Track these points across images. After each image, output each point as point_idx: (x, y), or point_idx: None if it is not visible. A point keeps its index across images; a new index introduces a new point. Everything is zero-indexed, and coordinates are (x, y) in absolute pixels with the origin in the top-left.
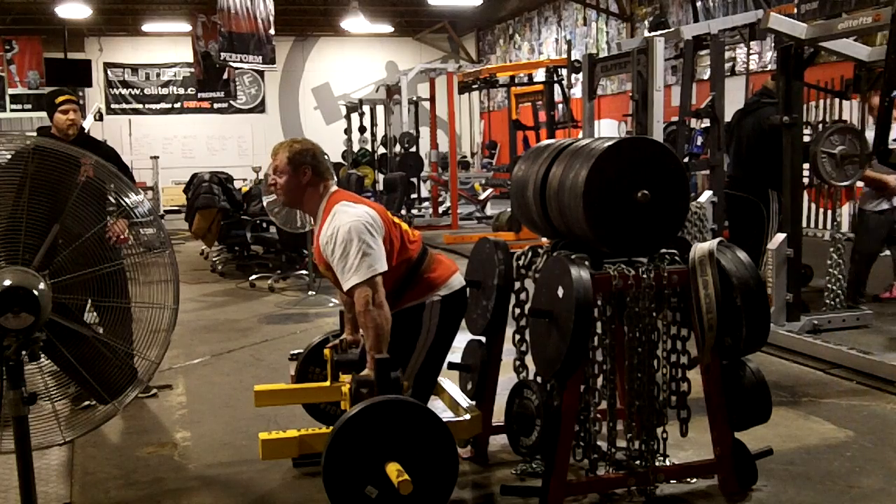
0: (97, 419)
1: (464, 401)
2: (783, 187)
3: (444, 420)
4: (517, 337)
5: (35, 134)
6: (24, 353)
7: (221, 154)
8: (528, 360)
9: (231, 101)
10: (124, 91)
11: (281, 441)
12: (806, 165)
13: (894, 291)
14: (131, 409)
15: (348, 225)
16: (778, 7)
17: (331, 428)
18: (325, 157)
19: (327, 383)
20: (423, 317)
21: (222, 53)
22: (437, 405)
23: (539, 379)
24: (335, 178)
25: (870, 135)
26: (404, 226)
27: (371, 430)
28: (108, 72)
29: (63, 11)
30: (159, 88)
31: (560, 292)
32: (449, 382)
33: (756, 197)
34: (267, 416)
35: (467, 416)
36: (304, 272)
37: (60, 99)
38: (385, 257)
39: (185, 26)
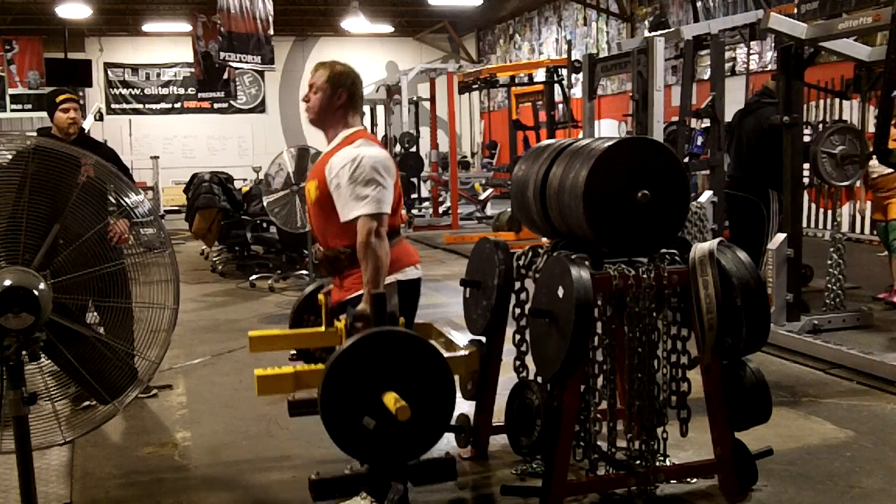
0: (97, 419)
1: (460, 341)
2: (783, 187)
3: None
4: (517, 337)
5: (35, 134)
6: (24, 353)
7: (221, 154)
8: (529, 360)
9: (231, 101)
10: (124, 91)
11: (276, 377)
12: (806, 165)
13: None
14: (131, 409)
15: (374, 158)
16: (778, 7)
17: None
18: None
19: (322, 328)
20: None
21: (221, 53)
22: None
23: (539, 379)
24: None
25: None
26: (401, 199)
27: (367, 361)
28: (109, 72)
29: (63, 11)
30: (159, 88)
31: (560, 292)
32: (446, 328)
33: (756, 197)
34: (267, 415)
35: (465, 352)
36: (304, 272)
37: (61, 98)
38: (391, 203)
39: (186, 26)
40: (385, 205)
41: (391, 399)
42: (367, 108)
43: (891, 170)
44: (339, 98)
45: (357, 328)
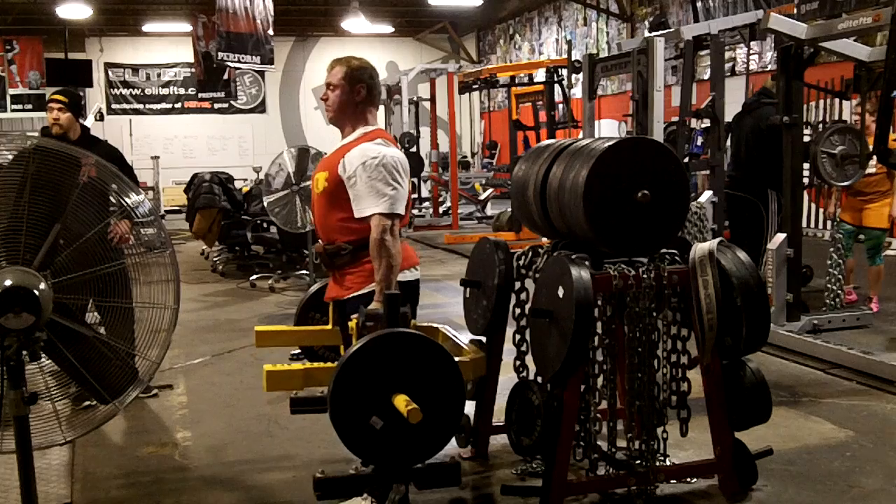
0: (98, 419)
1: (466, 344)
2: (783, 187)
3: None
4: (517, 337)
5: (37, 134)
6: (24, 352)
7: (222, 154)
8: (529, 359)
9: (231, 102)
10: (125, 91)
11: (285, 372)
12: (806, 165)
13: None
14: (132, 409)
15: (395, 159)
16: (778, 7)
17: (336, 363)
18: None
19: (329, 326)
20: None
21: (220, 53)
22: None
23: (539, 379)
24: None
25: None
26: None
27: (378, 362)
28: (109, 72)
29: (64, 12)
30: (160, 88)
31: (560, 292)
32: (450, 329)
33: (756, 197)
34: (267, 415)
35: (471, 357)
36: (304, 272)
37: (48, 97)
38: (405, 206)
39: (186, 26)
40: (400, 206)
41: (402, 401)
42: None
43: (871, 171)
44: (359, 94)
45: (369, 328)
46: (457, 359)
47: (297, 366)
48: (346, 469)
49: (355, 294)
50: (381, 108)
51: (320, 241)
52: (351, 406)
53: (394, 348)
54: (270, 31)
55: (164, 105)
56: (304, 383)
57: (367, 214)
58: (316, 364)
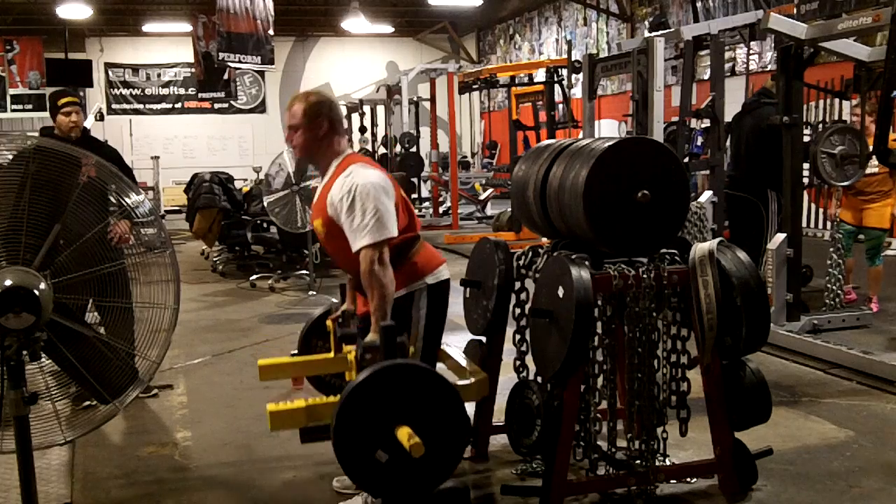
0: (98, 419)
1: (468, 364)
2: (783, 187)
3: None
4: (517, 337)
5: (37, 134)
6: (25, 352)
7: (222, 154)
8: (529, 359)
9: (232, 102)
10: (125, 91)
11: (289, 412)
12: (806, 165)
13: None
14: (132, 409)
15: (368, 184)
16: (778, 7)
17: (338, 397)
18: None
19: (331, 355)
20: (411, 308)
21: (220, 53)
22: (440, 368)
23: (539, 379)
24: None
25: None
26: (411, 205)
27: (380, 394)
28: (109, 72)
29: (64, 12)
30: (160, 88)
31: (560, 292)
32: (453, 349)
33: (755, 197)
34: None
35: (474, 379)
36: (304, 272)
37: (63, 101)
38: (395, 223)
39: (186, 26)
40: (386, 229)
41: (405, 434)
42: (367, 108)
43: (873, 171)
44: (321, 128)
45: (367, 360)
46: (459, 382)
47: (299, 403)
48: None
49: (396, 295)
50: (382, 108)
51: (347, 273)
52: (354, 440)
53: (394, 381)
54: (271, 31)
55: (164, 105)
56: (307, 420)
57: (355, 251)
58: (318, 399)
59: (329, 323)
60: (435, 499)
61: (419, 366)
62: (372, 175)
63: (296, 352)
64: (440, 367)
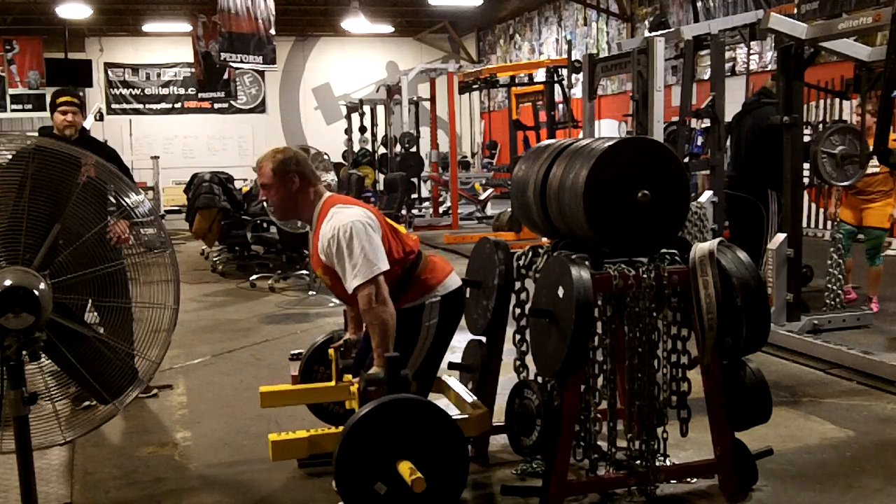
0: (98, 419)
1: (469, 397)
2: (783, 187)
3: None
4: (517, 337)
5: (36, 134)
6: (24, 352)
7: (222, 154)
8: (529, 359)
9: (231, 102)
10: (125, 91)
11: (290, 442)
12: (806, 165)
13: None
14: (132, 409)
15: (349, 225)
16: (778, 7)
17: (340, 428)
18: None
19: (332, 383)
20: (421, 317)
21: (222, 53)
22: (442, 402)
23: (539, 379)
24: (333, 175)
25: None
26: (401, 228)
27: (382, 428)
28: (109, 72)
29: (63, 11)
30: (160, 88)
31: (560, 292)
32: (454, 380)
33: (755, 197)
34: (267, 415)
35: (475, 413)
36: (304, 272)
37: (60, 100)
38: (385, 256)
39: (186, 26)
40: (375, 265)
41: (406, 469)
42: (367, 108)
43: (873, 171)
44: (293, 184)
45: (370, 392)
46: (458, 416)
47: (301, 434)
48: None
49: (407, 306)
50: (382, 108)
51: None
52: (356, 473)
53: (396, 415)
54: (272, 31)
55: (164, 105)
56: (308, 451)
57: (353, 288)
58: (320, 430)
59: (331, 352)
60: None
61: (422, 401)
62: (352, 214)
63: (295, 352)
64: (442, 401)
